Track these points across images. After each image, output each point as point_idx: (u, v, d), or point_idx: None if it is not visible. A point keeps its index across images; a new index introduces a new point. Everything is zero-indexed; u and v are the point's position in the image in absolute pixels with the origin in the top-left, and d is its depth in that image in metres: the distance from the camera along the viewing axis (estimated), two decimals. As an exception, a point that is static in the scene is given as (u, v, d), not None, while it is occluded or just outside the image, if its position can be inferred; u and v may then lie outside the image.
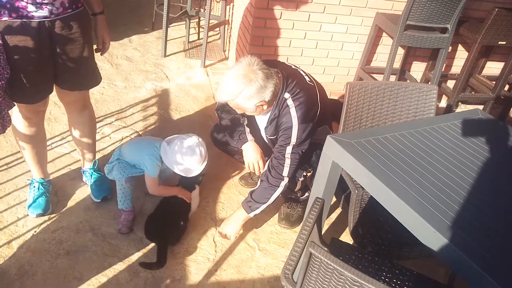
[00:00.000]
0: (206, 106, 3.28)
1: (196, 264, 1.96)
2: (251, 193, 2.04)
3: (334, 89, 3.64)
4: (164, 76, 3.60)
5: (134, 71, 3.59)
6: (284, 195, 2.10)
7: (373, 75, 3.51)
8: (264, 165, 2.13)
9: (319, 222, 1.42)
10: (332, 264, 0.95)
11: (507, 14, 2.92)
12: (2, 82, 1.60)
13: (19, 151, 2.30)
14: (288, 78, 1.91)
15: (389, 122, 1.91)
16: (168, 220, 2.02)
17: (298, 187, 2.12)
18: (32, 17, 1.61)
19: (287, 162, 1.95)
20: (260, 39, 3.26)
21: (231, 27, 4.06)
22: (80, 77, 1.90)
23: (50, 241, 1.96)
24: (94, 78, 1.99)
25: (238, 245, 2.11)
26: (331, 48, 3.42)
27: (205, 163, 2.12)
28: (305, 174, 2.08)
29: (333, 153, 1.53)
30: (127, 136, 2.76)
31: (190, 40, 4.37)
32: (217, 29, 4.31)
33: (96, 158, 2.33)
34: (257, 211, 2.01)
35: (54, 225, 2.04)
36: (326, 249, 0.96)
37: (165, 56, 3.95)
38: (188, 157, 2.03)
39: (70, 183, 2.32)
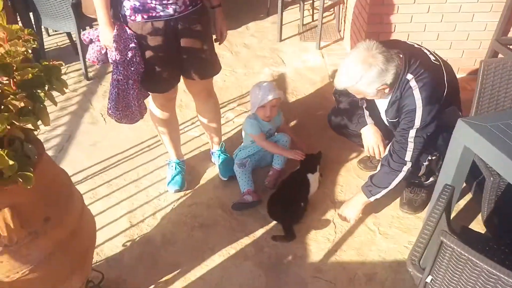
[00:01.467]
0: (321, 88, 3.29)
1: (317, 244, 2.03)
2: (371, 177, 2.02)
3: (463, 65, 3.34)
4: (280, 61, 3.69)
5: (253, 58, 3.75)
6: (406, 179, 2.03)
7: (511, 46, 3.11)
8: (384, 149, 2.08)
9: (448, 209, 1.36)
10: (466, 254, 0.92)
11: None
12: (138, 76, 1.85)
13: (157, 135, 2.61)
14: (410, 58, 1.82)
15: (532, 102, 1.71)
16: (289, 201, 2.12)
17: (422, 171, 2.03)
18: (160, 17, 1.79)
19: (410, 146, 1.88)
20: (379, 17, 3.13)
21: (346, 7, 3.97)
22: (203, 67, 2.05)
23: (187, 214, 2.21)
24: (215, 67, 2.14)
25: (358, 227, 2.12)
26: (459, 20, 3.12)
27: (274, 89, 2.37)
28: (430, 158, 1.98)
29: (466, 137, 1.44)
30: (233, 108, 2.93)
31: (304, 22, 4.38)
32: (332, 9, 4.24)
33: (222, 140, 2.54)
34: (378, 196, 1.99)
35: (189, 200, 2.30)
36: (457, 238, 0.93)
37: (281, 40, 4.04)
38: (260, 85, 2.37)
39: (200, 163, 2.57)
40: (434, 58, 1.87)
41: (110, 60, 1.83)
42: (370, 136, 2.11)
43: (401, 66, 1.80)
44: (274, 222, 2.14)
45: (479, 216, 2.14)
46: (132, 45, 1.78)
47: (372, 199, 2.01)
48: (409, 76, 1.81)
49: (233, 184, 2.38)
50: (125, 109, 1.92)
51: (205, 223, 2.16)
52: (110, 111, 1.91)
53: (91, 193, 2.36)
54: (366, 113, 2.13)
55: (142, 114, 1.99)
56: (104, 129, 2.89)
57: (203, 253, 2.00)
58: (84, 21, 3.30)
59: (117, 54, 1.76)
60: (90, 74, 3.49)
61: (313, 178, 2.25)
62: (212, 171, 2.50)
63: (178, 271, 1.93)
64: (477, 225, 2.08)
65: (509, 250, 1.39)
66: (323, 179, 2.38)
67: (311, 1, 4.47)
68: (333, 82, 3.28)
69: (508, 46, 3.10)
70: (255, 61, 3.69)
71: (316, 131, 2.78)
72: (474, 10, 3.07)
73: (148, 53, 1.85)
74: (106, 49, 1.82)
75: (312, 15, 4.52)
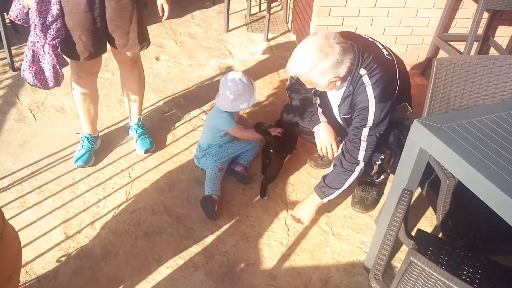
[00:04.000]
0: (270, 82, 3.20)
1: (270, 248, 1.95)
2: (324, 177, 1.96)
3: (407, 60, 3.36)
4: (227, 53, 3.55)
5: (198, 48, 3.57)
6: (359, 178, 2.00)
7: (451, 43, 3.20)
8: (337, 148, 2.03)
9: (406, 215, 1.32)
10: (435, 274, 0.86)
11: None
12: (56, 42, 1.82)
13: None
14: (364, 52, 1.76)
15: (481, 102, 1.72)
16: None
17: (374, 170, 2.01)
18: None
19: (363, 145, 1.84)
20: (327, 9, 3.08)
21: (294, -3, 3.89)
22: (129, 39, 2.04)
23: (129, 222, 2.03)
24: (142, 41, 2.10)
25: (311, 229, 2.06)
26: (404, 16, 3.15)
27: (254, 91, 2.29)
28: (382, 157, 1.96)
29: (421, 139, 1.40)
30: (195, 116, 2.77)
31: (251, 13, 4.26)
32: (279, 0, 4.16)
33: (157, 133, 2.39)
34: (331, 197, 1.94)
35: (131, 206, 2.12)
36: (427, 258, 0.87)
37: (228, 31, 3.89)
38: (235, 88, 2.18)
39: (117, 139, 2.48)
40: (387, 53, 1.83)
41: (30, 21, 1.77)
42: (323, 135, 2.05)
43: (355, 60, 1.74)
44: (225, 226, 2.03)
45: (428, 213, 2.17)
46: (55, 10, 1.77)
47: (325, 200, 1.95)
48: (362, 71, 1.75)
49: (180, 187, 2.23)
50: (39, 73, 1.88)
51: (149, 231, 2.00)
52: (23, 73, 1.88)
53: (18, 201, 2.10)
54: (320, 110, 2.06)
55: (58, 81, 1.94)
56: (33, 127, 2.60)
57: (148, 265, 1.85)
58: (6, 3, 2.94)
59: (36, 16, 1.73)
60: (17, 64, 3.13)
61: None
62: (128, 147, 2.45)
63: (121, 286, 1.76)
64: (431, 227, 2.11)
65: (464, 253, 1.39)
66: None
67: (258, -9, 4.35)
68: (282, 77, 3.26)
69: (449, 42, 3.18)
70: (200, 52, 3.51)
71: (266, 127, 2.69)
72: (418, 6, 3.11)
73: (70, 18, 1.83)
74: (29, 8, 1.75)
75: (260, 5, 4.40)
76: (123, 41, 2.04)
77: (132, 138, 2.51)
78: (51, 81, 1.90)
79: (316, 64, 1.66)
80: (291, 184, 2.32)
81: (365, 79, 1.75)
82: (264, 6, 4.44)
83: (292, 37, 3.88)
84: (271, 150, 2.27)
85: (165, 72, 3.19)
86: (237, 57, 3.49)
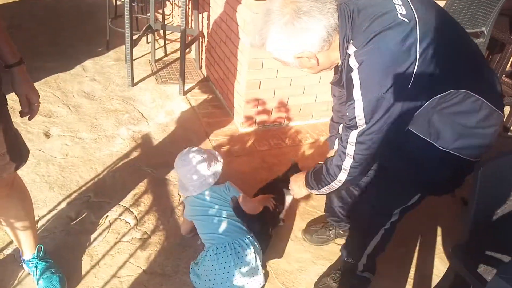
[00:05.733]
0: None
1: None
2: (314, 168, 1.56)
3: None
4: (139, 115, 2.87)
5: (100, 113, 2.83)
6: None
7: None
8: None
9: None
10: None
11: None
12: None
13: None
14: (359, 12, 1.20)
15: None
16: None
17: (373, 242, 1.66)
18: None
19: (350, 150, 1.31)
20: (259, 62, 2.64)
21: (206, 40, 3.38)
22: None
23: None
24: (16, 155, 1.38)
25: None
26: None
27: (215, 164, 1.87)
28: (393, 220, 1.59)
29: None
30: (116, 218, 2.06)
31: (156, 58, 3.63)
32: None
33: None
34: (313, 191, 1.58)
35: None
36: None
37: (133, 85, 3.21)
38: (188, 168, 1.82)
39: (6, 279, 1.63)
40: (405, 11, 1.18)
41: None
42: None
43: (343, 28, 1.21)
44: None
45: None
46: None
47: (310, 190, 1.60)
48: (351, 49, 1.21)
49: None
50: None
51: None
52: None
53: None
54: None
55: None
56: None
57: None
58: None
59: None
60: None
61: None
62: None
63: None
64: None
65: None
66: None
67: (161, 31, 3.73)
68: (214, 141, 2.69)
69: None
70: (105, 118, 2.78)
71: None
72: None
73: None
74: None
75: (165, 48, 3.78)
76: None
77: (30, 275, 1.72)
78: None
79: (266, 30, 1.23)
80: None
81: (352, 60, 1.21)
82: (169, 48, 3.84)
83: (211, 87, 3.35)
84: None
85: (62, 155, 2.40)
86: (153, 121, 2.84)
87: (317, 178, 1.51)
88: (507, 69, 3.11)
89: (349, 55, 1.22)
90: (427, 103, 1.24)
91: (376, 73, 1.18)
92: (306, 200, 2.31)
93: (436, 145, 1.32)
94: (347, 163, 1.34)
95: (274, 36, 1.23)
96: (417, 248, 2.10)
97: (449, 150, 1.32)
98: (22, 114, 1.38)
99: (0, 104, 1.29)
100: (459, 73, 1.26)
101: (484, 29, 2.51)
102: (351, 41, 1.21)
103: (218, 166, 1.88)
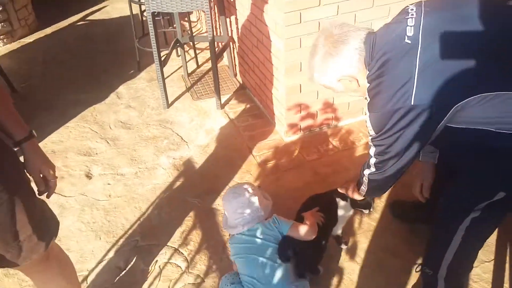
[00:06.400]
0: (248, 170, 2.43)
1: None
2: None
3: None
4: (178, 139, 2.73)
5: (139, 143, 2.72)
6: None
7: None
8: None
9: None
10: None
11: None
12: None
13: None
14: (377, 40, 1.30)
15: None
16: None
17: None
18: None
19: (371, 161, 1.44)
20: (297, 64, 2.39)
21: (237, 45, 3.16)
22: (21, 244, 1.18)
23: None
24: (45, 232, 1.26)
25: None
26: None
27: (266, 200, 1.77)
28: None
29: None
30: (166, 262, 1.92)
31: (189, 72, 3.47)
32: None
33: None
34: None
35: None
36: None
37: (168, 106, 3.07)
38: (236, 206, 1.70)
39: None
40: (412, 33, 1.21)
41: None
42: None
43: (367, 51, 1.32)
44: None
45: None
46: None
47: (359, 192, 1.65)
48: (368, 72, 1.33)
49: None
50: None
51: None
52: None
53: None
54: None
55: None
56: None
57: None
58: None
59: None
60: None
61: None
62: None
63: None
64: None
65: None
66: None
67: (190, 43, 3.56)
68: (258, 158, 2.49)
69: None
70: (143, 148, 2.67)
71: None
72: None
73: None
74: None
75: (196, 59, 3.61)
76: (11, 253, 1.18)
77: None
78: None
79: (311, 64, 1.43)
80: None
81: (364, 81, 1.35)
82: (201, 58, 3.67)
83: (249, 94, 3.13)
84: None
85: (105, 196, 2.31)
86: (193, 143, 2.68)
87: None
88: None
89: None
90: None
91: (381, 117, 1.27)
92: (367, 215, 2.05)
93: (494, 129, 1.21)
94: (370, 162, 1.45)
95: (317, 65, 1.40)
96: None
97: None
98: (39, 193, 1.25)
99: (19, 182, 1.17)
100: (486, 76, 1.16)
101: None
102: (367, 66, 1.33)
103: (268, 203, 1.71)
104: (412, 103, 1.15)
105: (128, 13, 3.41)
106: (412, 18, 1.23)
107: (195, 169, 2.48)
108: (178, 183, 2.37)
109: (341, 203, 1.81)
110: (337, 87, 1.43)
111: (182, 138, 2.73)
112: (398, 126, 1.22)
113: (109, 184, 2.40)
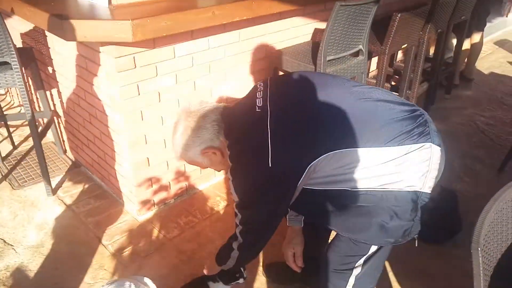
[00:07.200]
0: (101, 265, 2.06)
1: None
2: None
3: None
4: (1, 245, 2.17)
5: None
6: None
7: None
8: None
9: None
10: None
11: (408, 17, 2.59)
12: None
13: None
14: (234, 110, 1.41)
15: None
16: None
17: None
18: None
19: (240, 219, 1.42)
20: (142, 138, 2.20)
21: (64, 119, 2.78)
22: None
23: None
24: None
25: None
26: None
27: None
28: None
29: None
30: None
31: (3, 155, 2.89)
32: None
33: None
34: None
35: None
36: None
37: (-20, 202, 2.45)
38: None
39: None
40: (262, 102, 1.30)
41: None
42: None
43: (227, 122, 1.38)
44: None
45: None
46: None
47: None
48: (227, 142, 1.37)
49: None
50: None
51: None
52: None
53: None
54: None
55: None
56: None
57: None
58: None
59: None
60: None
61: None
62: None
63: None
64: None
65: None
66: None
67: (3, 124, 2.99)
68: (112, 247, 2.13)
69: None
70: (-51, 266, 2.02)
71: None
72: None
73: None
74: None
75: (11, 141, 3.04)
76: None
77: None
78: None
79: (174, 142, 1.43)
80: None
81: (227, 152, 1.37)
82: (17, 137, 3.11)
83: (86, 172, 2.76)
84: None
85: None
86: (21, 245, 2.17)
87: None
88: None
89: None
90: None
91: (243, 182, 1.32)
92: None
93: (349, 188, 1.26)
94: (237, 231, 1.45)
95: (179, 141, 1.39)
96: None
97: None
98: None
99: None
100: (322, 139, 1.24)
101: (361, 46, 2.46)
102: (227, 137, 1.36)
103: None
104: (270, 166, 1.18)
105: None
106: (260, 91, 1.35)
107: (29, 279, 1.98)
108: (8, 305, 1.84)
109: (214, 286, 1.68)
110: (203, 161, 1.44)
111: (5, 241, 2.18)
112: (260, 190, 1.27)
113: None
